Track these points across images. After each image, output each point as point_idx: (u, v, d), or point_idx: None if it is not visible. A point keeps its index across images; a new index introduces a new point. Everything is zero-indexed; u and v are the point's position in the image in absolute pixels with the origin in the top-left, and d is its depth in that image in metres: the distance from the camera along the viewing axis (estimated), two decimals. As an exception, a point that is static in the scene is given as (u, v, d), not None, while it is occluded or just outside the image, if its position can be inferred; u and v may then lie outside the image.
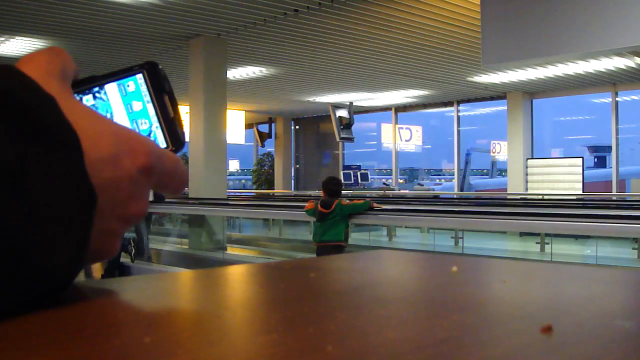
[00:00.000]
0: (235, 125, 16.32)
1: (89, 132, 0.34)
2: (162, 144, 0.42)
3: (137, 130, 0.41)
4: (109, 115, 0.42)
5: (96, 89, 0.42)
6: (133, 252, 7.24)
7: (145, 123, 0.42)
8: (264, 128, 19.03)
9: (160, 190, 0.40)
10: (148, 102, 0.42)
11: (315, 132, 19.97)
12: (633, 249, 8.79)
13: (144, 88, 0.42)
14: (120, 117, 0.42)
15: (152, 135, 0.42)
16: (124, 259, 7.31)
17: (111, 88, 0.42)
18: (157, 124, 0.42)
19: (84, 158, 0.33)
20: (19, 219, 0.29)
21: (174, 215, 9.71)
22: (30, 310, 0.31)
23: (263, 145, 19.20)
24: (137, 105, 0.42)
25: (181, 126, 0.43)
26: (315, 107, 16.89)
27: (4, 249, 0.29)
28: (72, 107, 0.35)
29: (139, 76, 0.42)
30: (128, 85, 0.42)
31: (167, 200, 6.80)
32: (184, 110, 10.97)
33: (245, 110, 17.04)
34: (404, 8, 8.04)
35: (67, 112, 0.33)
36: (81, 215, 0.32)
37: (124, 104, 0.42)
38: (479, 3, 6.50)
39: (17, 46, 9.64)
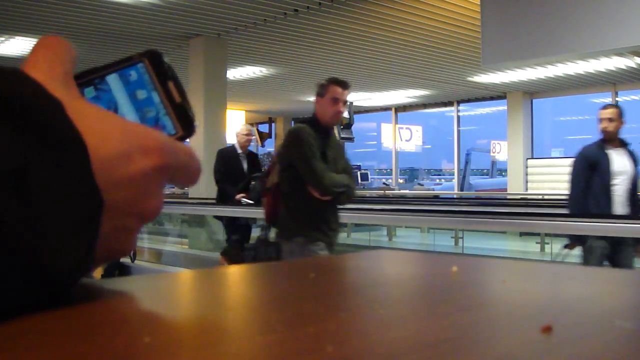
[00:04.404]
0: (235, 125, 16.29)
1: (99, 131, 0.34)
2: (171, 130, 0.41)
3: (147, 125, 0.41)
4: (113, 106, 0.41)
5: (97, 80, 0.41)
6: (132, 251, 7.22)
7: (151, 111, 0.41)
8: (264, 128, 19.02)
9: (175, 183, 0.40)
10: (152, 90, 0.41)
11: (315, 132, 19.95)
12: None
13: (146, 77, 0.42)
14: (125, 107, 0.41)
15: (159, 122, 0.41)
16: (124, 258, 7.31)
17: (113, 79, 0.42)
18: (164, 112, 0.41)
19: (95, 156, 0.33)
20: (25, 223, 0.29)
21: (174, 215, 9.71)
22: (29, 310, 0.31)
23: (263, 145, 19.19)
24: (141, 94, 0.41)
25: (191, 110, 0.42)
26: (315, 107, 16.87)
27: (9, 254, 0.29)
28: (80, 107, 0.35)
29: (140, 65, 0.42)
30: (130, 75, 0.42)
31: (166, 200, 6.73)
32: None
33: (245, 110, 17.03)
34: (404, 8, 8.04)
35: (75, 112, 0.33)
36: (87, 220, 0.32)
37: (128, 94, 0.41)
38: (479, 3, 6.50)
39: (17, 46, 9.64)
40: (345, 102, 3.54)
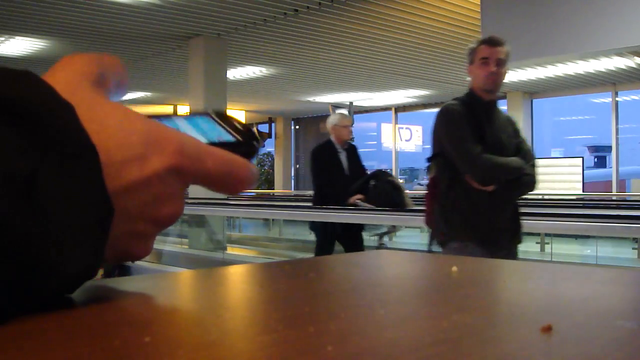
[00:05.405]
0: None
1: (117, 133, 0.33)
2: (230, 138, 0.40)
3: (210, 138, 0.40)
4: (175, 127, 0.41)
5: (162, 117, 0.42)
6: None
7: (214, 131, 0.41)
8: (264, 128, 19.03)
9: (216, 191, 0.38)
10: (216, 124, 0.42)
11: (315, 132, 19.96)
12: (633, 249, 8.80)
13: (211, 120, 0.42)
14: (187, 128, 0.41)
15: (221, 137, 0.40)
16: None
17: (177, 118, 0.43)
18: (226, 131, 0.41)
19: (109, 160, 0.32)
20: (34, 229, 0.29)
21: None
22: (30, 311, 0.32)
23: (263, 145, 19.15)
24: (204, 124, 0.42)
25: (251, 129, 0.42)
26: (315, 107, 16.88)
27: (18, 257, 0.29)
28: (102, 108, 0.34)
29: (205, 115, 0.43)
30: (195, 118, 0.42)
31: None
32: (184, 110, 10.98)
33: (245, 110, 17.04)
34: (404, 8, 8.04)
35: (94, 114, 0.32)
36: (97, 226, 0.32)
37: (192, 125, 0.42)
38: (479, 3, 6.50)
39: (17, 46, 9.64)
40: (500, 61, 2.88)
